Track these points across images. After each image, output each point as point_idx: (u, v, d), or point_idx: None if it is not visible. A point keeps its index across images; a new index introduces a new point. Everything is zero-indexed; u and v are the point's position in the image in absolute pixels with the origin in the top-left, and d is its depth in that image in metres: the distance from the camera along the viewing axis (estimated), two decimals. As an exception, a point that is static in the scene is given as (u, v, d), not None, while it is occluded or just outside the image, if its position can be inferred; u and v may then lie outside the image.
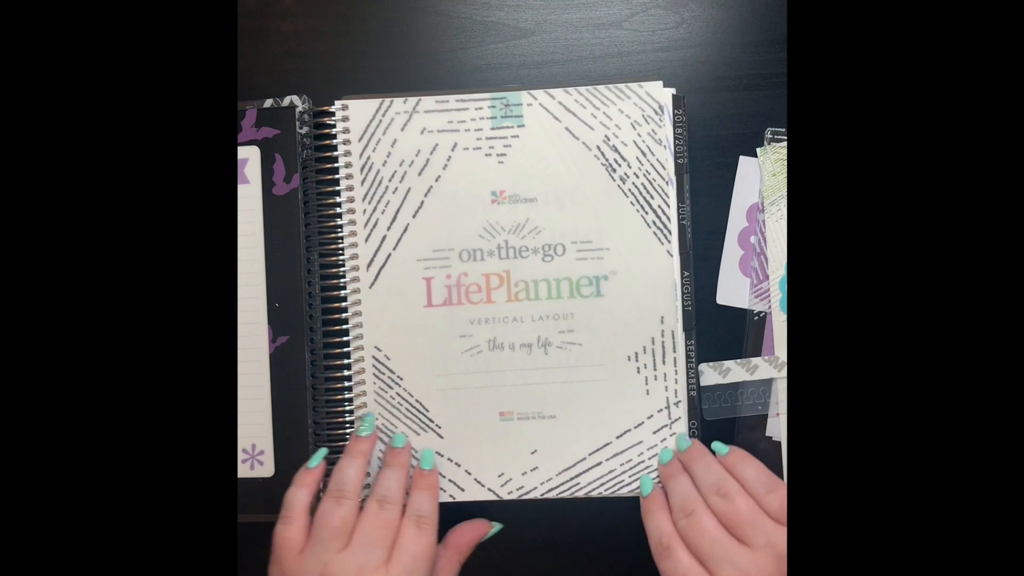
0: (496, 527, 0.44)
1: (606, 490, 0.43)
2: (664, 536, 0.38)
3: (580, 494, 0.43)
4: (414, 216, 0.44)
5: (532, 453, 0.43)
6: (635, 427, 0.43)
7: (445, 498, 0.43)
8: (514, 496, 0.43)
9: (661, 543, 0.38)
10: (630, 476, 0.43)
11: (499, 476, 0.43)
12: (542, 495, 0.43)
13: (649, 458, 0.43)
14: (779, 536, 0.36)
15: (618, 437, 0.43)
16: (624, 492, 0.43)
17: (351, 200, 0.44)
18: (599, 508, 0.44)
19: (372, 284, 0.44)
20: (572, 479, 0.43)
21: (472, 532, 0.43)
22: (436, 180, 0.44)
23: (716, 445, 0.41)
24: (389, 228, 0.44)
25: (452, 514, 0.44)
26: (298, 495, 0.39)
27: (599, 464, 0.43)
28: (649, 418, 0.43)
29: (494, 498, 0.43)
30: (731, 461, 0.39)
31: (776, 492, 0.37)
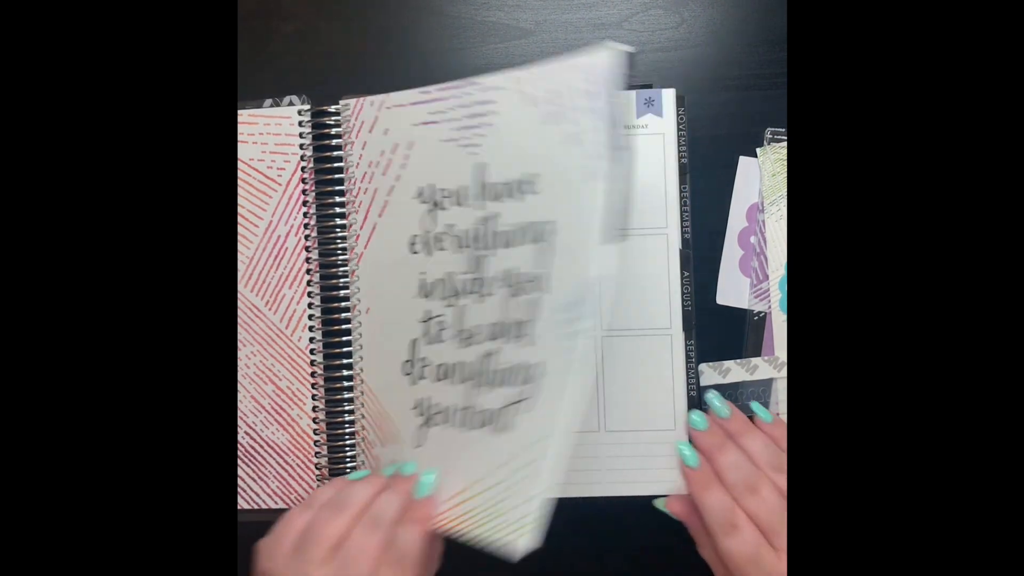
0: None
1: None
2: (729, 514, 0.37)
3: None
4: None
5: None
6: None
7: None
8: None
9: (728, 522, 0.36)
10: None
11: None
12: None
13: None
14: None
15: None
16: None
17: (352, 200, 0.44)
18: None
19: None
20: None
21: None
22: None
23: (756, 407, 0.42)
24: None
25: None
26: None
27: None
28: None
29: None
30: (779, 435, 0.40)
31: None
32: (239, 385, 0.44)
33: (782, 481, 0.37)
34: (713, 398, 0.41)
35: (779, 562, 0.35)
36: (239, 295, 0.44)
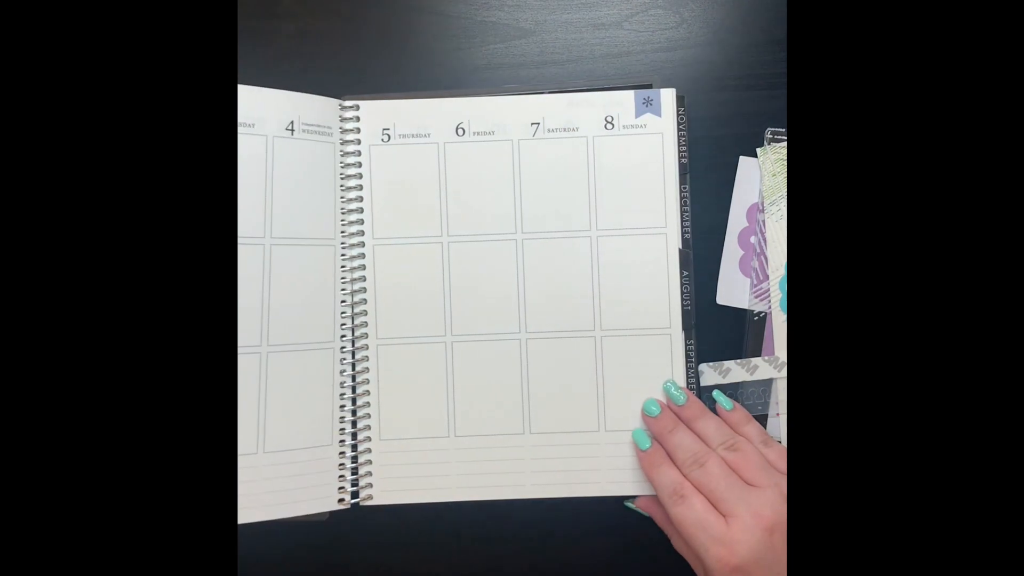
0: None
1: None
2: (677, 486, 0.39)
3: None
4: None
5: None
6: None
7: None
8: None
9: (676, 492, 0.39)
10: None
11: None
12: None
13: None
14: (782, 478, 0.38)
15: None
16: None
17: (359, 200, 0.44)
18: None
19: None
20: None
21: None
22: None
23: (718, 396, 0.43)
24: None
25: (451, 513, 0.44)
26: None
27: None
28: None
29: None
30: (735, 420, 0.42)
31: (771, 445, 0.41)
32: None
33: (733, 456, 0.39)
34: (670, 386, 0.43)
35: (726, 528, 0.37)
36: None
